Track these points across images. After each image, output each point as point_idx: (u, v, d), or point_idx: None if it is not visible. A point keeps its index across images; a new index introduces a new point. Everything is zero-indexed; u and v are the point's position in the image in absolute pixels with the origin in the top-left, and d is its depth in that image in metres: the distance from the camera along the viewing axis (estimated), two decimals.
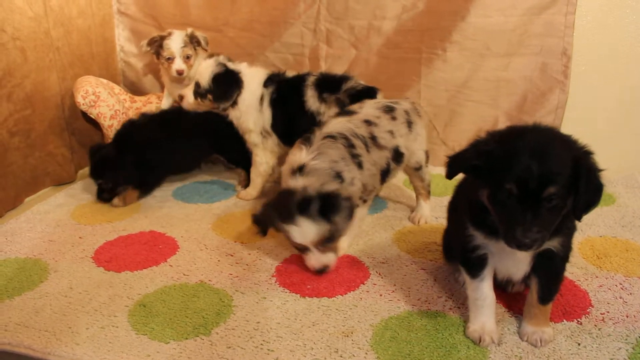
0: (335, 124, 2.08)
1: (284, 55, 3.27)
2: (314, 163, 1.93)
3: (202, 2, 3.31)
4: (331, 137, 2.00)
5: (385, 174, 2.18)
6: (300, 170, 1.93)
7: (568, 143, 1.43)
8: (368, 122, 2.13)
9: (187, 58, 3.00)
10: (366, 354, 1.59)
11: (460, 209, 1.68)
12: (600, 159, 2.87)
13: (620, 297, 1.83)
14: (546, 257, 1.55)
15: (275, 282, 1.99)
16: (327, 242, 1.92)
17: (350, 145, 2.01)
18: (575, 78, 2.89)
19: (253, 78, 2.67)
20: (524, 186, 1.35)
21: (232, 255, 2.18)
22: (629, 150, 2.97)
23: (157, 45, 2.99)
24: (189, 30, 3.01)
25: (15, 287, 1.98)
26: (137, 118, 2.81)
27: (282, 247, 2.23)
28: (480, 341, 1.62)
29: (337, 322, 1.74)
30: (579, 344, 1.61)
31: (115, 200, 2.71)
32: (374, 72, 3.15)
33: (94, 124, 3.15)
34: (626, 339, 1.62)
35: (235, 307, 1.83)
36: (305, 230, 1.87)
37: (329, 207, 1.86)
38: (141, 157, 2.70)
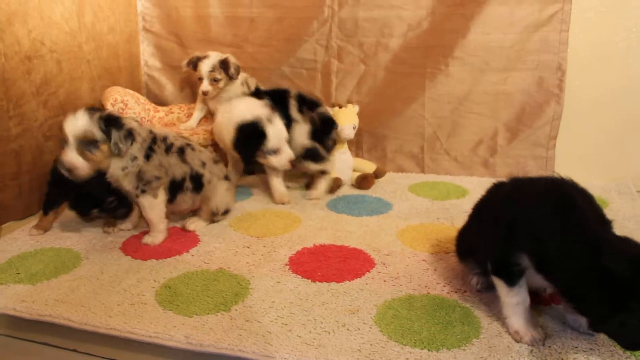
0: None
1: (298, 70, 3.49)
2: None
3: (222, 20, 3.54)
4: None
5: None
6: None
7: None
8: None
9: (214, 81, 3.14)
10: (370, 328, 1.76)
11: (508, 229, 1.68)
12: (595, 166, 3.08)
13: None
14: None
15: (289, 269, 2.17)
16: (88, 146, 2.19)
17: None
18: (569, 91, 3.08)
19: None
20: None
21: (248, 248, 2.36)
22: (621, 158, 3.15)
23: (193, 65, 3.19)
24: (224, 56, 3.15)
25: (51, 271, 2.17)
26: None
27: (295, 241, 2.42)
28: (533, 341, 1.66)
29: (344, 302, 1.92)
30: (563, 323, 1.77)
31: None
32: (381, 86, 3.36)
33: None
34: None
35: (252, 289, 2.01)
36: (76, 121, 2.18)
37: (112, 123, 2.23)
38: None
